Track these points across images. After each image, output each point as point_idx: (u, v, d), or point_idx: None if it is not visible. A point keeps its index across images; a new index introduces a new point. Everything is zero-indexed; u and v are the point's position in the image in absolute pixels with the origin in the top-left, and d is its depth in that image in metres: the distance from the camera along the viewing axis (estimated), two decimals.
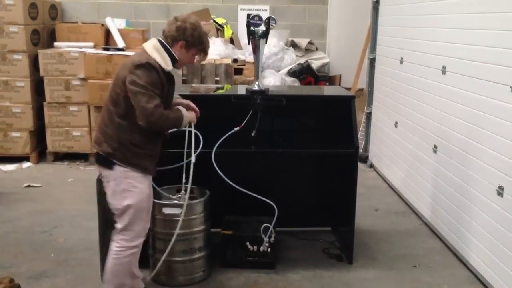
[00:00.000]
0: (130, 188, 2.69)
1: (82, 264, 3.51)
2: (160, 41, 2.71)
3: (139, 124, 2.62)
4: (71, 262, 3.54)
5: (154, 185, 2.97)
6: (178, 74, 5.13)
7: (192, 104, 3.00)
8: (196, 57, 2.80)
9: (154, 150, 2.77)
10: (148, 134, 2.69)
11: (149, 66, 2.59)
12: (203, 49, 2.77)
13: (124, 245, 2.75)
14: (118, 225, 2.75)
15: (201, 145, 3.03)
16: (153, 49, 2.67)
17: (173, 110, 2.78)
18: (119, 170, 2.68)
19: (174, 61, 2.71)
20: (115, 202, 2.73)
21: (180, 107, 2.83)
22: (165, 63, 2.66)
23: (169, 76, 2.73)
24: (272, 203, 3.29)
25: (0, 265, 3.46)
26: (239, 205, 3.48)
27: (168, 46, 2.70)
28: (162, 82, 2.65)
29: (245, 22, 3.33)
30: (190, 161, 2.87)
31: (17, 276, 3.12)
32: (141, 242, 2.80)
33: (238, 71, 5.90)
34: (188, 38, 2.68)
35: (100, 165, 2.75)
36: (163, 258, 2.99)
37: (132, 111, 2.62)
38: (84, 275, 3.37)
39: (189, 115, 2.83)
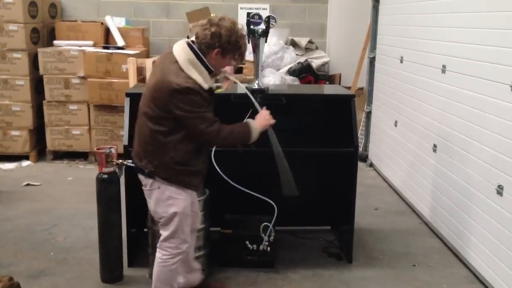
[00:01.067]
0: (175, 195, 2.63)
1: (82, 263, 3.50)
2: (192, 49, 2.53)
3: (184, 142, 2.55)
4: (70, 261, 3.53)
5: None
6: None
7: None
8: (233, 61, 2.65)
9: (199, 166, 2.67)
10: (193, 151, 2.60)
11: (190, 91, 2.45)
12: (240, 54, 2.60)
13: (171, 252, 2.70)
14: (164, 233, 2.69)
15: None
16: (188, 64, 2.49)
17: (238, 124, 2.66)
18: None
19: (210, 71, 2.58)
20: (161, 210, 2.66)
21: (248, 120, 2.67)
22: (205, 80, 2.52)
23: (210, 91, 2.60)
24: (272, 202, 3.29)
25: (0, 264, 3.46)
26: (238, 204, 3.48)
27: (202, 56, 2.53)
28: (206, 100, 2.54)
29: (245, 21, 3.32)
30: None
31: (16, 275, 3.12)
32: (188, 246, 2.77)
33: (238, 70, 5.89)
34: (225, 45, 2.50)
35: (141, 175, 2.67)
36: None
37: (177, 129, 2.54)
38: (83, 274, 3.37)
39: (261, 123, 2.66)
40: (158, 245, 2.75)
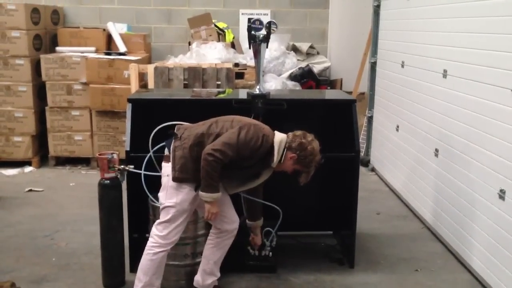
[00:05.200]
0: (178, 187, 2.80)
1: (84, 269, 3.51)
2: (286, 144, 2.86)
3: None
4: (72, 267, 3.54)
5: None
6: (179, 78, 5.14)
7: (254, 242, 3.29)
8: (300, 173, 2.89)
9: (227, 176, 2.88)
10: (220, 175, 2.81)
11: (262, 137, 2.79)
12: (307, 172, 2.88)
13: (157, 240, 2.85)
14: (160, 219, 2.86)
15: None
16: (279, 141, 2.84)
17: (218, 184, 2.79)
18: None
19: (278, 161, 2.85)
20: (161, 196, 2.86)
21: (218, 194, 2.81)
22: (277, 155, 2.82)
23: (264, 161, 2.85)
24: (277, 207, 3.30)
25: (2, 269, 3.47)
26: (241, 209, 3.47)
27: (285, 148, 2.85)
28: (254, 156, 2.79)
29: (246, 27, 3.34)
30: None
31: (18, 281, 3.12)
32: (172, 243, 2.88)
33: (239, 75, 5.90)
34: (301, 157, 2.83)
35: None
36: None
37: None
38: (85, 279, 3.37)
39: (211, 206, 2.81)
40: (150, 230, 2.93)
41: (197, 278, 3.13)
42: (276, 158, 2.83)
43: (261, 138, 2.80)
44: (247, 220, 3.24)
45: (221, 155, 2.71)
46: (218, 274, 3.13)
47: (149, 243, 2.89)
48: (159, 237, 2.86)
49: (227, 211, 3.00)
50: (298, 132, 2.90)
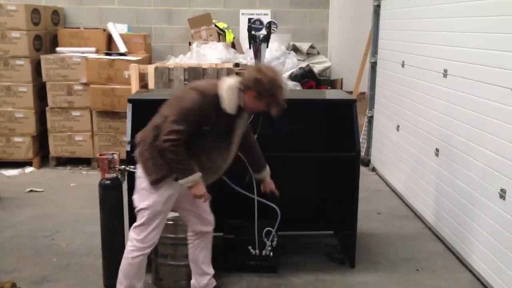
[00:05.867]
0: (150, 189, 2.73)
1: (84, 269, 3.51)
2: (238, 85, 2.71)
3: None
4: (73, 267, 3.54)
5: None
6: (179, 79, 5.14)
7: (268, 188, 3.12)
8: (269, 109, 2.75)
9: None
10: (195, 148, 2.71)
11: (199, 92, 2.65)
12: (276, 103, 2.71)
13: (135, 244, 2.80)
14: (136, 222, 2.81)
15: None
16: (228, 88, 2.69)
17: (191, 165, 2.67)
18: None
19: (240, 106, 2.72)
20: (135, 199, 2.80)
21: (194, 175, 2.68)
22: (229, 104, 2.67)
23: (225, 114, 2.70)
24: (275, 207, 3.29)
25: (3, 269, 3.47)
26: (241, 209, 3.47)
27: (241, 91, 2.70)
28: (208, 116, 2.65)
29: (246, 27, 3.34)
30: None
31: (19, 281, 3.13)
32: (150, 246, 2.83)
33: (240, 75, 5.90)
34: (262, 92, 2.66)
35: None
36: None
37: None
38: (86, 279, 3.37)
39: (196, 188, 2.70)
40: (129, 234, 2.86)
41: (193, 282, 3.12)
42: (228, 105, 2.67)
43: (198, 96, 2.63)
44: (253, 175, 3.13)
45: (175, 135, 2.59)
46: (211, 272, 3.10)
47: (128, 247, 2.84)
48: (137, 241, 2.79)
49: (200, 212, 2.95)
50: (252, 68, 2.76)
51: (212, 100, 2.65)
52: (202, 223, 2.97)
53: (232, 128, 2.79)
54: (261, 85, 2.64)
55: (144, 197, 2.75)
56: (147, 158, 2.73)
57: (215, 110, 2.66)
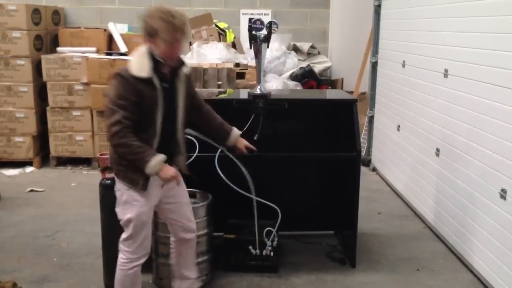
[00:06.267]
0: (131, 201, 2.62)
1: (85, 269, 3.51)
2: (148, 47, 2.54)
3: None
4: (74, 267, 3.54)
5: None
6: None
7: (242, 147, 3.00)
8: (174, 44, 2.51)
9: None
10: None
11: (118, 76, 2.48)
12: (182, 34, 2.49)
13: (128, 256, 2.71)
14: (123, 235, 2.72)
15: (196, 150, 3.01)
16: (136, 55, 2.53)
17: (147, 151, 2.49)
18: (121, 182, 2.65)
19: (158, 65, 2.53)
20: (118, 212, 2.70)
21: (158, 157, 2.50)
22: (141, 69, 2.48)
23: (152, 86, 2.51)
24: (275, 207, 3.29)
25: (3, 269, 3.47)
26: (241, 209, 3.48)
27: (151, 51, 2.52)
28: (138, 91, 2.47)
29: (247, 27, 3.34)
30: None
31: (20, 281, 3.13)
32: (145, 255, 2.75)
33: (240, 75, 5.91)
34: (162, 33, 2.46)
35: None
36: None
37: None
38: (86, 279, 3.37)
39: (163, 173, 2.51)
40: (119, 246, 2.74)
41: (173, 284, 3.04)
42: (138, 68, 2.47)
43: (117, 79, 2.48)
44: (225, 145, 3.03)
45: (116, 126, 2.43)
46: (193, 276, 3.03)
47: (120, 259, 2.73)
48: (129, 253, 2.70)
49: (183, 220, 2.86)
50: (142, 18, 2.56)
51: (131, 75, 2.47)
52: (185, 230, 2.88)
53: (174, 99, 2.62)
54: (157, 26, 2.45)
55: (127, 210, 2.64)
56: (120, 168, 2.60)
57: (141, 84, 2.48)
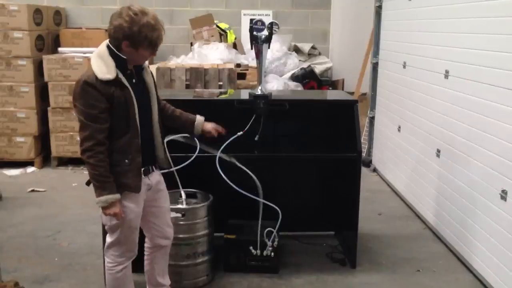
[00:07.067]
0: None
1: (86, 269, 3.52)
2: (108, 46, 2.42)
3: (112, 140, 2.43)
4: (74, 267, 3.55)
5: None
6: (181, 79, 5.14)
7: (212, 130, 2.96)
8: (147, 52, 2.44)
9: (133, 164, 2.49)
10: (122, 149, 2.46)
11: (83, 84, 2.35)
12: (151, 45, 2.39)
13: (115, 260, 2.65)
14: (108, 239, 2.65)
15: (196, 150, 3.01)
16: (96, 57, 2.40)
17: (108, 183, 2.41)
18: None
19: (123, 63, 2.42)
20: (105, 218, 2.57)
21: (113, 196, 2.42)
22: (107, 71, 2.36)
23: (121, 85, 2.41)
24: (276, 207, 3.30)
25: (4, 269, 3.47)
26: (242, 209, 3.48)
27: (114, 49, 2.40)
28: (108, 96, 2.36)
29: (248, 27, 3.35)
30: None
31: (21, 281, 3.12)
32: (132, 256, 2.70)
33: (241, 76, 5.91)
34: (131, 38, 2.34)
35: None
36: None
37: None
38: (87, 279, 3.38)
39: (109, 209, 2.41)
40: (104, 250, 2.69)
41: None
42: (101, 71, 2.34)
43: (81, 87, 2.34)
44: (191, 134, 2.96)
45: (89, 140, 2.34)
46: (167, 282, 2.98)
47: (108, 264, 2.66)
48: (116, 256, 2.63)
49: (161, 224, 2.80)
50: (113, 17, 2.40)
51: (97, 80, 2.35)
52: (162, 236, 2.83)
53: (147, 100, 2.56)
54: (125, 30, 2.32)
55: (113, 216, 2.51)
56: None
57: (109, 87, 2.37)
